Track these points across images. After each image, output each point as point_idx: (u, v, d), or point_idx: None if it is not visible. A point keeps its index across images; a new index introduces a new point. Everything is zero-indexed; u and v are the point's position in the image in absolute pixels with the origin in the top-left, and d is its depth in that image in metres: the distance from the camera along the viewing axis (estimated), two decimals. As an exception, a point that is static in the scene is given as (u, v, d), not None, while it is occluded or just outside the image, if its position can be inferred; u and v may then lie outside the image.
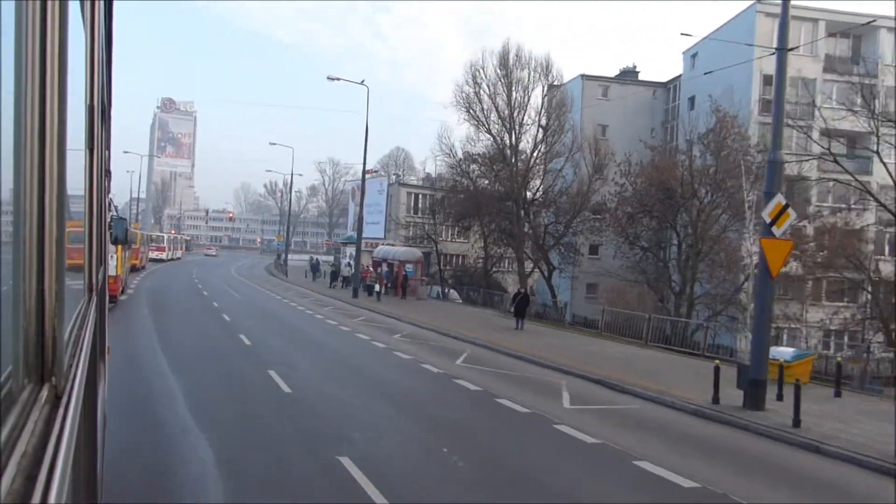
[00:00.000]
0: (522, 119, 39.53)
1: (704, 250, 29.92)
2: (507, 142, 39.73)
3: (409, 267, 37.71)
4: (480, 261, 43.95)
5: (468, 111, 40.24)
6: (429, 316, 25.85)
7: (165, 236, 62.99)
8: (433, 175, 65.50)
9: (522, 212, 39.03)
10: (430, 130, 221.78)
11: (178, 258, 65.60)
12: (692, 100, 39.11)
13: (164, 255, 57.61)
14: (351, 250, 45.52)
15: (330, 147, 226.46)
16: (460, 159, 41.73)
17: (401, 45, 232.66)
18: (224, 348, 15.40)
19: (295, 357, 14.96)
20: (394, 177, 65.19)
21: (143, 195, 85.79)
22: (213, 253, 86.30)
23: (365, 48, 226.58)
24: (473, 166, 41.03)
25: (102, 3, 2.55)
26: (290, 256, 64.29)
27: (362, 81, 33.02)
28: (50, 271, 1.11)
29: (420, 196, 57.47)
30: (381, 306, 28.94)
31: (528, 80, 39.70)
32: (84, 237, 2.33)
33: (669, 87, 47.28)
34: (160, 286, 33.52)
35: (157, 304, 23.97)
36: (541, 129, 39.61)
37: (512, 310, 24.01)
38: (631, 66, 51.46)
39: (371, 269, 40.85)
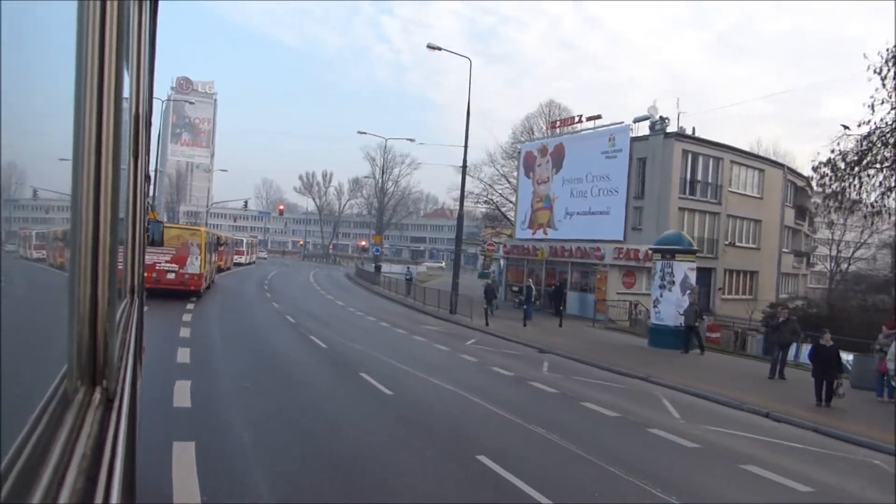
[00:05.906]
0: None
1: None
2: None
3: None
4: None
5: None
6: None
7: (245, 240, 66.29)
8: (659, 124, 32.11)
9: None
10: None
11: (254, 262, 68.47)
12: None
13: (243, 259, 60.87)
14: (687, 270, 20.23)
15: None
16: None
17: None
18: None
19: None
20: (644, 124, 30.88)
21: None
22: (265, 256, 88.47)
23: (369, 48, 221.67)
24: None
25: (148, 6, 2.56)
26: (389, 267, 49.63)
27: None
28: (103, 276, 1.13)
29: (712, 162, 30.93)
30: None
31: None
32: (126, 241, 2.39)
33: None
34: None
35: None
36: None
37: None
38: None
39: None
